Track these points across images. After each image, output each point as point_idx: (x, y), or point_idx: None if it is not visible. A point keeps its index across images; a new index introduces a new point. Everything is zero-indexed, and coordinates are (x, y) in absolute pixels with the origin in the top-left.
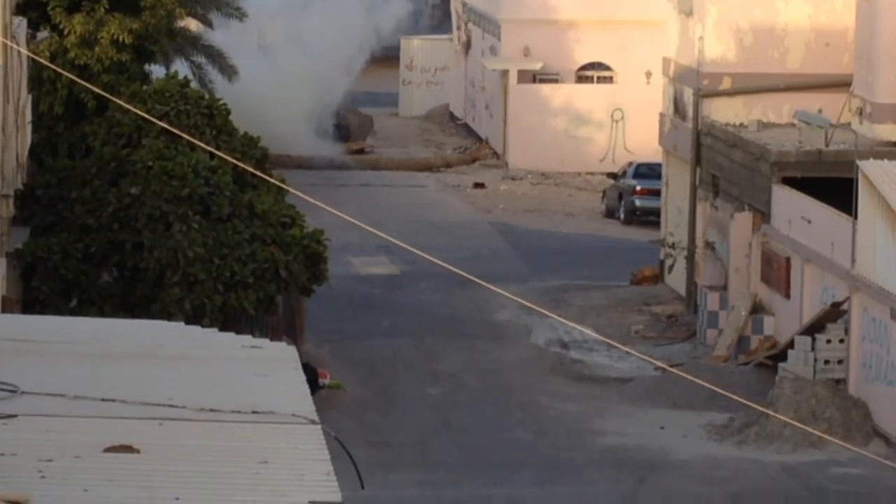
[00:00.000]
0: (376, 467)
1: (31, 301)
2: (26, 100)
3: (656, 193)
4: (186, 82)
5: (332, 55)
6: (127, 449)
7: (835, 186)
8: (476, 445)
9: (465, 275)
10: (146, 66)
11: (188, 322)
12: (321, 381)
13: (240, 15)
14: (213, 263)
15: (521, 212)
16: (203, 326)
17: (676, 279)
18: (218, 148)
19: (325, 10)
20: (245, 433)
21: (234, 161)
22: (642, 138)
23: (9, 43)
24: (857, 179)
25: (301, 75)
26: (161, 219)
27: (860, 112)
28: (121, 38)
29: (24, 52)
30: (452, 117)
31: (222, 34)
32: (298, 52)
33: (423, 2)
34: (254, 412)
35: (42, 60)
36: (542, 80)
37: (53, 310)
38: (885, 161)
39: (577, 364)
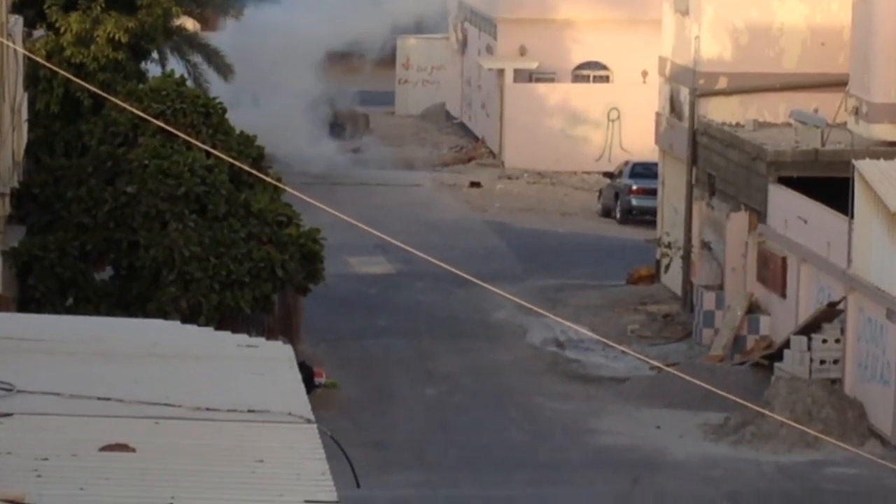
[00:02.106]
0: (372, 467)
1: (27, 299)
2: (22, 98)
3: (652, 193)
4: (182, 81)
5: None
6: (123, 448)
7: (831, 186)
8: (472, 446)
9: (461, 274)
10: (142, 65)
11: (184, 321)
12: (317, 380)
13: (236, 13)
14: (210, 262)
15: (516, 211)
16: (199, 325)
17: (672, 279)
18: (214, 146)
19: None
20: (241, 432)
21: (231, 160)
22: (638, 138)
23: (5, 41)
24: (853, 179)
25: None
26: (157, 217)
27: (856, 112)
28: (117, 37)
29: (20, 50)
30: (448, 116)
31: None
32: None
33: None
34: (250, 411)
35: (38, 59)
36: (538, 80)
37: (49, 308)
38: (882, 161)
39: (572, 364)
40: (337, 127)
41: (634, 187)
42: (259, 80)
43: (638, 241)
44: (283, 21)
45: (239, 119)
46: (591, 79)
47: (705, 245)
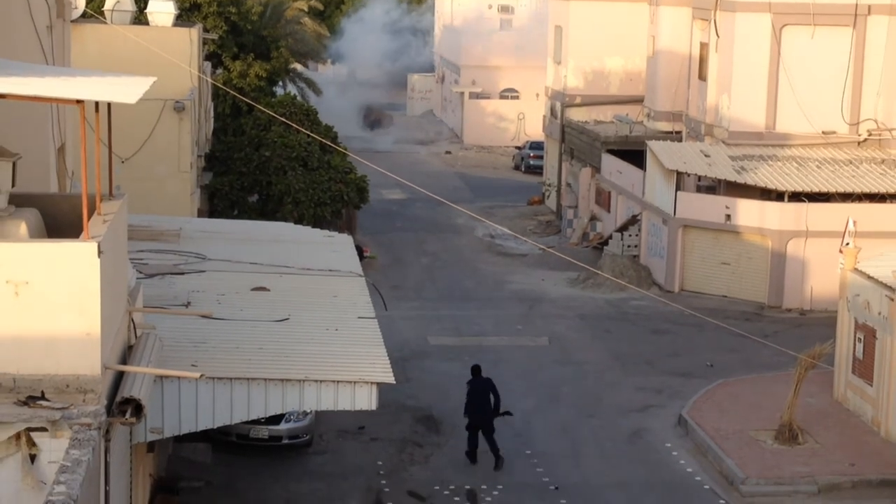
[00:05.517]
0: (393, 299)
1: (213, 211)
2: (210, 105)
3: (541, 157)
4: (294, 97)
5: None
6: (262, 289)
7: (635, 154)
8: (446, 289)
9: (440, 199)
10: (273, 88)
11: (296, 223)
12: (365, 254)
13: (324, 61)
14: (309, 192)
15: (470, 166)
16: (303, 226)
17: (551, 202)
18: (311, 132)
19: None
20: (325, 280)
21: (320, 138)
22: (534, 129)
23: (201, 75)
24: (646, 151)
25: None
26: (281, 169)
27: (648, 115)
28: (260, 73)
29: (209, 80)
30: (435, 116)
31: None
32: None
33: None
34: (330, 270)
35: (218, 84)
36: (481, 97)
37: (225, 216)
38: (661, 142)
39: (498, 246)
40: (375, 122)
41: (532, 154)
42: (336, 95)
43: (533, 183)
44: (350, 63)
45: (324, 116)
46: (510, 97)
47: (568, 185)
